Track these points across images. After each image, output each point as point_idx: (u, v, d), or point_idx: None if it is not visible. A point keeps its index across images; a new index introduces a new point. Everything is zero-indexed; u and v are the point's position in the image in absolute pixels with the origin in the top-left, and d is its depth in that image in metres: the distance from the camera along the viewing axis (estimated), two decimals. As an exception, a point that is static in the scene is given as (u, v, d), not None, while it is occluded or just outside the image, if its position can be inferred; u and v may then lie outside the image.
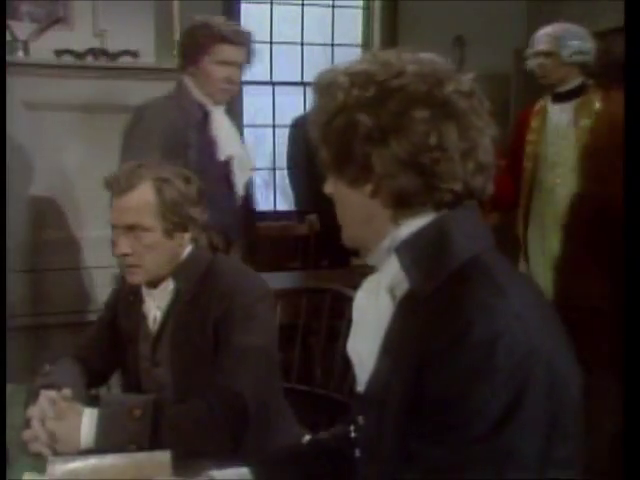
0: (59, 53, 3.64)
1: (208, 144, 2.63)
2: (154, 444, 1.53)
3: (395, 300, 1.09)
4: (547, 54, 2.99)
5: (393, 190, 1.05)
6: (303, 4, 5.63)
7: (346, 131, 1.05)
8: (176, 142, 2.54)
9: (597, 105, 2.96)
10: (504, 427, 0.93)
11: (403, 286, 1.08)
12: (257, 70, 5.53)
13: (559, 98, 3.01)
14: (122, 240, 1.73)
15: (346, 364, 2.10)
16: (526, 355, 0.94)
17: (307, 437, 1.76)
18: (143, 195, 1.72)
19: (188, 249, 1.81)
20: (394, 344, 1.07)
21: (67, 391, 1.64)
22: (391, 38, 5.68)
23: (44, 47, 3.59)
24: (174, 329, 1.78)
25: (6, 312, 2.23)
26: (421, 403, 0.98)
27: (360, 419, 1.17)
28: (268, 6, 5.49)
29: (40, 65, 3.41)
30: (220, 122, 2.75)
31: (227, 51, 2.66)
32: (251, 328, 1.71)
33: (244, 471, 1.28)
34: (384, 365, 1.08)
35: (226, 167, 2.73)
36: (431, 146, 1.02)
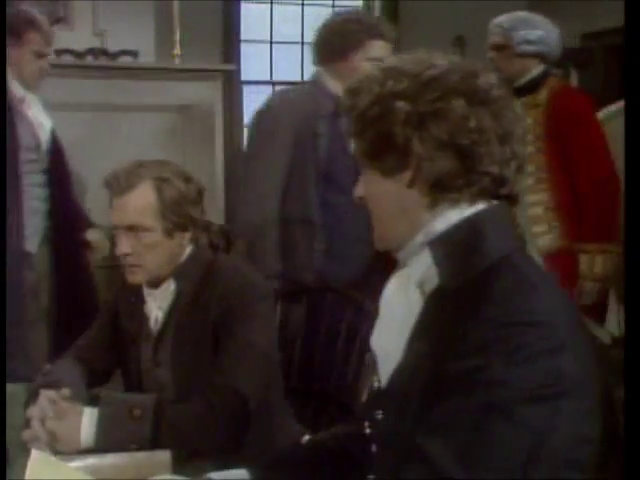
0: (59, 53, 3.64)
1: (340, 135, 2.50)
2: (154, 444, 1.53)
3: (424, 295, 1.10)
4: (498, 47, 2.87)
5: (432, 174, 1.06)
6: (303, 4, 5.63)
7: (384, 118, 1.07)
8: (305, 130, 2.51)
9: (542, 97, 2.85)
10: (535, 407, 0.93)
11: (433, 281, 1.09)
12: (257, 69, 5.55)
13: (519, 92, 2.77)
14: (122, 240, 1.73)
15: (345, 364, 2.10)
16: (559, 347, 0.96)
17: (306, 437, 1.76)
18: (143, 195, 1.72)
19: (189, 249, 1.81)
20: (420, 338, 1.08)
21: (67, 391, 1.64)
22: (391, 38, 5.68)
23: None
24: (175, 329, 1.78)
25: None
26: (441, 386, 0.99)
27: (378, 414, 1.16)
28: (268, 6, 5.49)
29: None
30: None
31: (379, 48, 2.57)
32: (251, 328, 1.71)
33: (242, 472, 1.28)
34: (409, 359, 1.09)
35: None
36: (470, 128, 1.04)
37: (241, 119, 5.42)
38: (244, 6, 5.38)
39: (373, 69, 1.13)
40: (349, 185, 1.24)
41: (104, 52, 3.71)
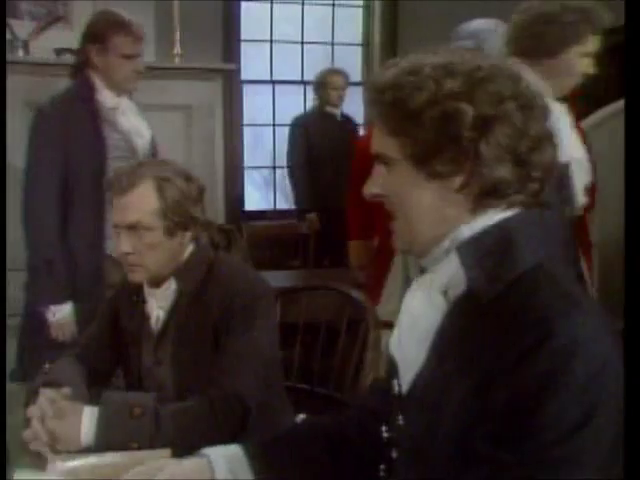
0: (59, 52, 3.64)
1: None
2: (155, 442, 1.53)
3: (448, 301, 1.08)
4: None
5: (490, 180, 1.03)
6: (303, 3, 5.63)
7: (447, 120, 1.02)
8: None
9: None
10: (576, 436, 0.93)
11: (459, 287, 1.06)
12: (257, 69, 5.54)
13: None
14: (123, 239, 1.73)
15: (346, 363, 2.10)
16: (601, 366, 0.94)
17: (300, 416, 1.73)
18: (144, 194, 1.72)
19: (189, 248, 1.81)
20: (452, 346, 1.05)
21: (67, 390, 1.64)
22: (391, 37, 5.68)
23: (44, 46, 3.59)
24: (176, 329, 1.78)
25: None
26: (489, 408, 0.97)
27: (400, 419, 1.15)
28: (268, 5, 5.49)
29: (40, 64, 3.41)
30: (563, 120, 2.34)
31: (592, 42, 2.24)
32: (252, 327, 1.71)
33: (235, 447, 1.26)
34: (437, 366, 1.07)
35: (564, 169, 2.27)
36: (529, 134, 1.03)
37: (241, 118, 5.42)
38: (244, 5, 5.37)
39: (410, 63, 1.06)
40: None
41: (104, 51, 3.70)
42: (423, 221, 1.08)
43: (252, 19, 5.42)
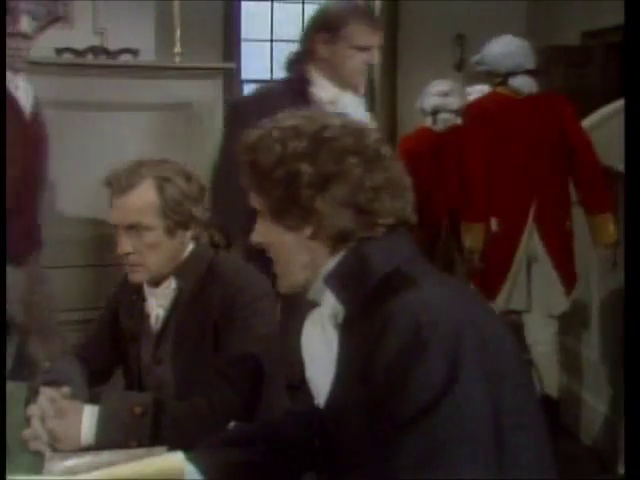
0: (59, 51, 3.64)
1: None
2: (155, 442, 1.53)
3: (337, 328, 1.18)
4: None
5: (333, 229, 1.15)
6: (304, 2, 5.63)
7: (288, 180, 1.15)
8: None
9: None
10: (450, 388, 1.00)
11: (342, 312, 1.17)
12: (257, 68, 5.55)
13: None
14: (123, 239, 1.73)
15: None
16: (451, 324, 1.04)
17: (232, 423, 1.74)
18: (144, 194, 1.72)
19: (190, 247, 1.81)
20: (344, 365, 1.16)
21: (67, 389, 1.64)
22: (392, 37, 5.68)
23: (44, 45, 3.59)
24: (176, 327, 1.78)
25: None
26: (375, 400, 1.06)
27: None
28: (268, 4, 5.49)
29: (40, 63, 3.41)
30: None
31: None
32: (252, 326, 1.71)
33: (178, 454, 1.30)
34: (339, 387, 1.16)
35: None
36: (366, 187, 1.14)
37: (241, 118, 5.42)
38: (244, 5, 5.38)
39: (268, 125, 1.19)
40: None
41: (104, 50, 3.70)
42: (290, 264, 1.21)
43: (252, 18, 5.43)
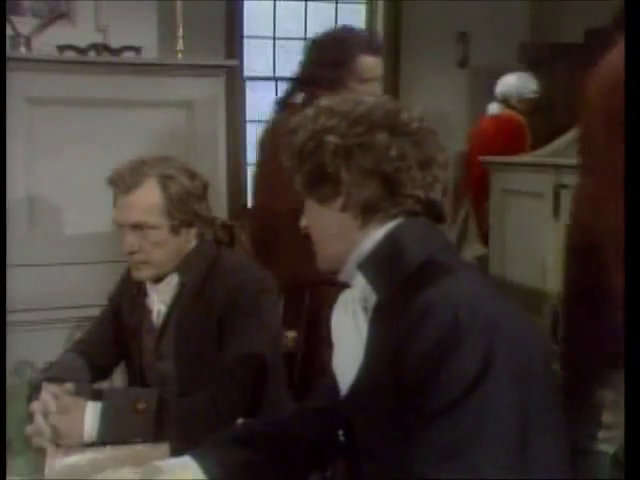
0: (61, 48, 3.63)
1: None
2: (158, 437, 1.53)
3: (367, 314, 1.19)
4: None
5: (361, 199, 1.18)
6: (306, 0, 5.62)
7: (316, 151, 1.18)
8: None
9: None
10: (481, 384, 1.01)
11: (373, 298, 1.18)
12: (260, 66, 5.54)
13: None
14: (128, 238, 1.73)
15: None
16: (487, 320, 1.04)
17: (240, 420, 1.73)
18: (148, 193, 1.71)
19: (192, 243, 1.81)
20: (373, 350, 1.16)
21: (69, 385, 1.64)
22: (394, 34, 5.67)
23: (46, 42, 3.59)
24: (178, 322, 1.78)
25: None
26: (403, 390, 1.06)
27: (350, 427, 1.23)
28: (271, 2, 5.49)
29: (42, 60, 3.40)
30: None
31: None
32: (255, 322, 1.71)
33: (186, 459, 1.29)
34: (366, 372, 1.16)
35: None
36: (392, 157, 1.16)
37: (244, 115, 5.42)
38: (247, 2, 5.37)
39: (308, 109, 1.23)
40: None
41: (106, 48, 3.69)
42: (324, 239, 1.25)
43: (255, 16, 5.43)
